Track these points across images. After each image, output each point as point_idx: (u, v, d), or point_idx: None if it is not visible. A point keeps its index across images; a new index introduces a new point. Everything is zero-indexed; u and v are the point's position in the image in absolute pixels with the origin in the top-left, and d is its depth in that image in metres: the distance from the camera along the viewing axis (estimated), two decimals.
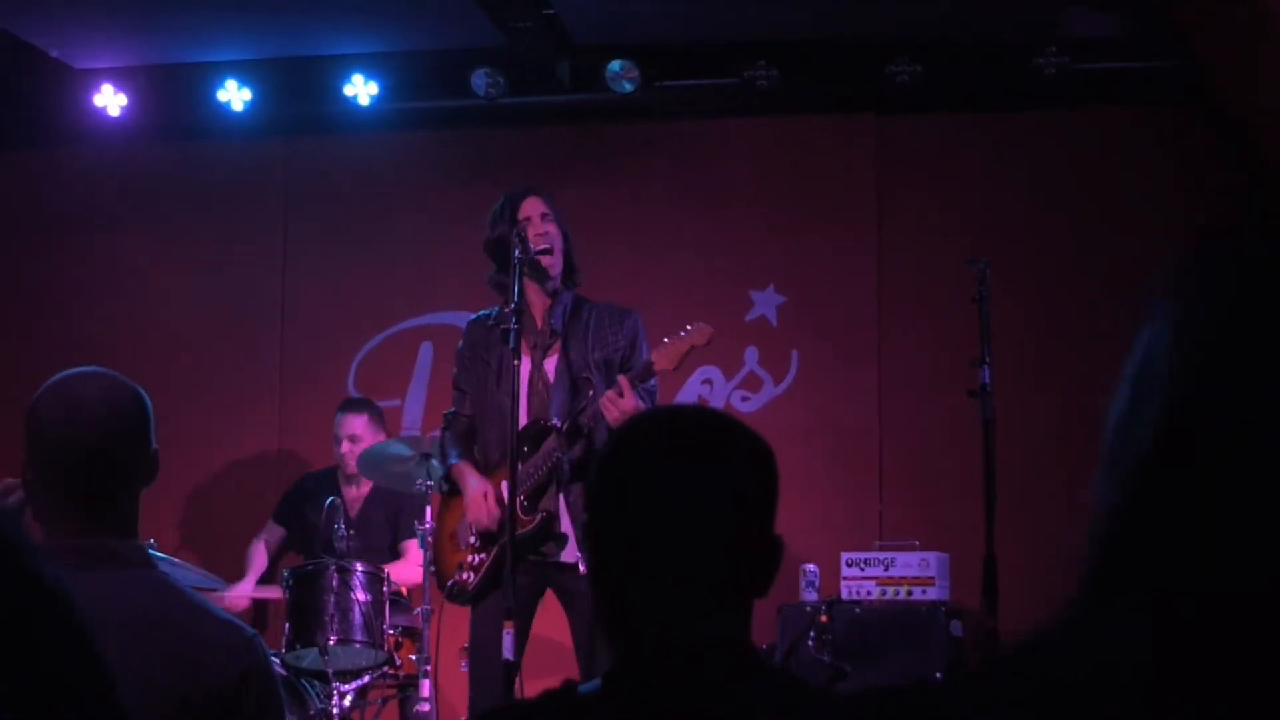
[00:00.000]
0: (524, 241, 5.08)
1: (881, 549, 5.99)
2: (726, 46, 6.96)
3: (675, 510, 1.78)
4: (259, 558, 6.87)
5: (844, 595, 5.86)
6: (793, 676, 1.87)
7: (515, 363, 4.90)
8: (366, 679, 5.85)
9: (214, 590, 5.92)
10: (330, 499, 6.13)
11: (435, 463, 5.71)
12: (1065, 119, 7.02)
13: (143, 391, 2.55)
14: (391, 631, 5.85)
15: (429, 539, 5.63)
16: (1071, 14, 6.49)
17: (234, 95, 7.27)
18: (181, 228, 7.64)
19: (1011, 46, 6.74)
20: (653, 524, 1.78)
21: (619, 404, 4.96)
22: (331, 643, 5.69)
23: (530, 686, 4.45)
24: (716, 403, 7.05)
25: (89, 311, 7.57)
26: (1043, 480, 6.48)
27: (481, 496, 5.21)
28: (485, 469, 5.29)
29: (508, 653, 4.68)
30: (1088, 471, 0.96)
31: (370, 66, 7.15)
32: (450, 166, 7.47)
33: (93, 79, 7.35)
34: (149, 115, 7.42)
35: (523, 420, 5.04)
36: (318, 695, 5.78)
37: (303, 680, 5.81)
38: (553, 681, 1.81)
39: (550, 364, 5.26)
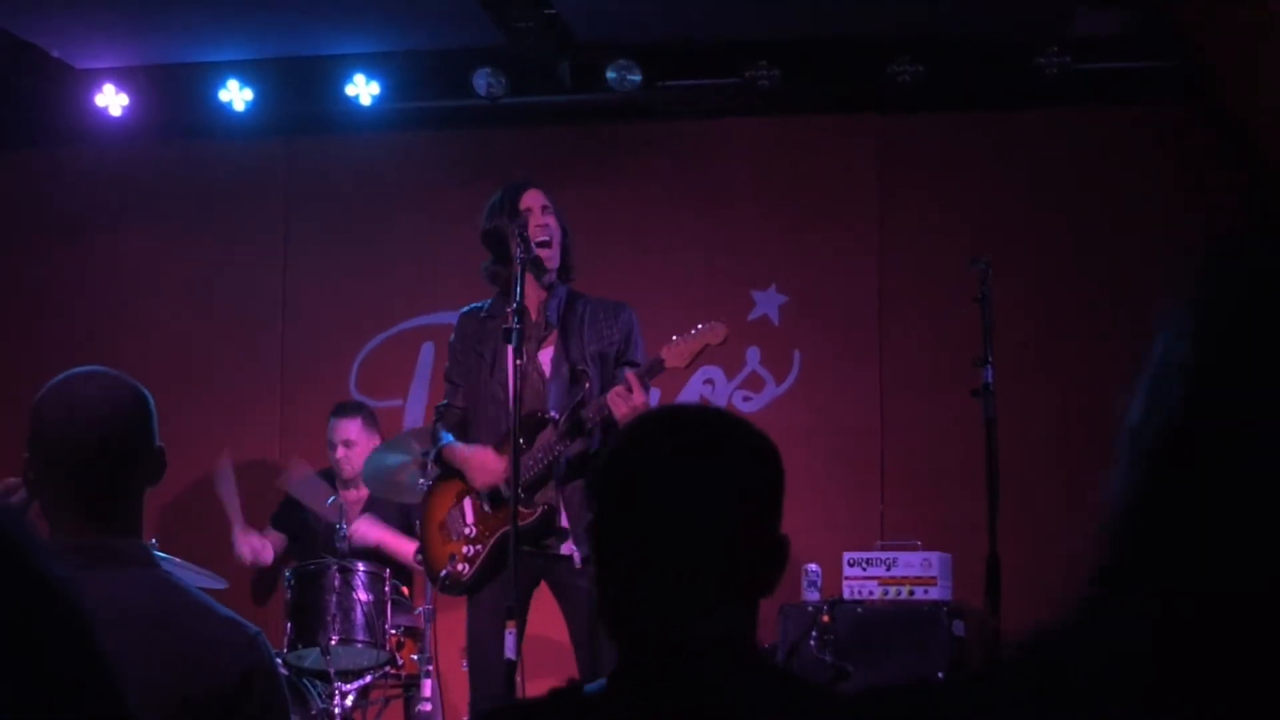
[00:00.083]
0: (525, 241, 5.07)
1: (883, 549, 5.98)
2: (727, 46, 6.95)
3: (679, 508, 1.78)
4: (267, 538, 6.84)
5: (846, 595, 5.85)
6: (795, 675, 1.87)
7: (518, 362, 4.89)
8: (368, 679, 5.85)
9: (216, 588, 5.92)
10: (331, 498, 6.14)
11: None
12: (1066, 119, 7.02)
13: (145, 390, 2.55)
14: (393, 631, 5.85)
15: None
16: (1084, 13, 6.48)
17: (235, 95, 7.27)
18: (182, 228, 7.63)
19: (1013, 46, 6.74)
20: (657, 522, 1.78)
21: (629, 399, 4.93)
22: (333, 643, 5.69)
23: (531, 686, 4.45)
24: (718, 402, 7.04)
25: (89, 311, 7.57)
26: (1045, 480, 6.48)
27: (483, 460, 5.14)
28: None
29: (509, 653, 4.67)
30: (1090, 471, 0.96)
31: (371, 66, 7.15)
32: (451, 166, 7.46)
33: (94, 79, 7.35)
34: (150, 115, 7.41)
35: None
36: (320, 695, 5.78)
37: (305, 680, 5.81)
38: (552, 680, 1.81)
39: (545, 356, 5.23)
